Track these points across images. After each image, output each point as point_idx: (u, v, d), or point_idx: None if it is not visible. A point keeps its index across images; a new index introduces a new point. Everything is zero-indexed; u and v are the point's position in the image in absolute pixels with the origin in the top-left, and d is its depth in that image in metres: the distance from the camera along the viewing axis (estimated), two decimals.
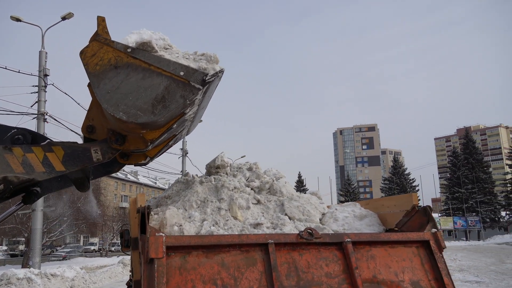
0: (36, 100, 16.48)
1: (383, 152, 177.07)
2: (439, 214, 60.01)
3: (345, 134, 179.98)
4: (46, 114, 16.38)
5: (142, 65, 3.11)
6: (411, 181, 64.63)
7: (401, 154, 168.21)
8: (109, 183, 62.60)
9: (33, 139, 3.84)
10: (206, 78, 3.05)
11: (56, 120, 16.58)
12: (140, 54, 3.14)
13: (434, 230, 3.20)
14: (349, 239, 2.94)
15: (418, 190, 63.45)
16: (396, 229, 3.61)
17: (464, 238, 52.45)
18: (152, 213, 3.63)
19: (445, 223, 53.48)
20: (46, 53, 16.92)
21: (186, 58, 3.30)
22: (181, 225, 3.37)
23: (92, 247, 52.44)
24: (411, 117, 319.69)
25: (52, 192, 6.57)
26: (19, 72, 16.01)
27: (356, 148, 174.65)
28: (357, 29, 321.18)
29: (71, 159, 3.65)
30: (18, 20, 17.20)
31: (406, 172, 65.62)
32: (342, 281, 2.80)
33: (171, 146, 4.46)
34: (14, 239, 39.78)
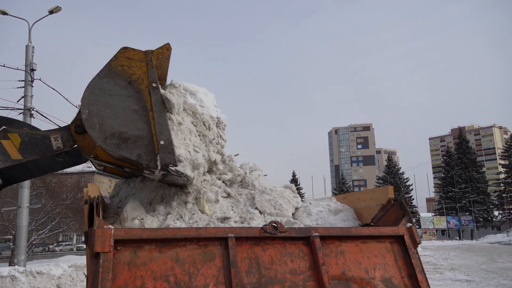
0: (23, 95, 16.16)
1: (378, 152, 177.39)
2: (433, 213, 60.09)
3: (340, 133, 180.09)
4: (33, 110, 16.07)
5: (147, 104, 2.99)
6: (405, 181, 64.67)
7: (395, 153, 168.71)
8: (102, 180, 61.96)
9: None
10: (167, 167, 2.89)
11: (43, 116, 16.29)
12: (155, 96, 3.03)
13: (409, 224, 3.02)
14: (317, 234, 2.75)
15: (412, 189, 63.64)
16: (372, 224, 3.43)
17: (458, 238, 52.54)
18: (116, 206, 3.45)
19: (439, 222, 53.55)
20: (33, 47, 16.56)
21: (184, 141, 3.22)
22: (142, 219, 3.17)
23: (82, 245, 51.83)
24: (406, 117, 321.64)
25: (17, 183, 6.32)
26: (4, 66, 15.68)
27: (351, 147, 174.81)
28: (354, 29, 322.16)
29: (28, 147, 3.47)
30: (4, 13, 16.82)
31: (400, 171, 65.66)
32: (308, 278, 2.61)
33: (133, 177, 4.28)
34: (2, 236, 39.24)
